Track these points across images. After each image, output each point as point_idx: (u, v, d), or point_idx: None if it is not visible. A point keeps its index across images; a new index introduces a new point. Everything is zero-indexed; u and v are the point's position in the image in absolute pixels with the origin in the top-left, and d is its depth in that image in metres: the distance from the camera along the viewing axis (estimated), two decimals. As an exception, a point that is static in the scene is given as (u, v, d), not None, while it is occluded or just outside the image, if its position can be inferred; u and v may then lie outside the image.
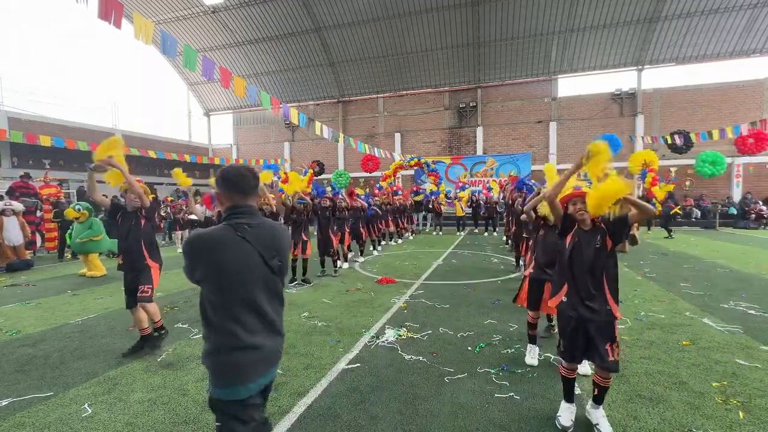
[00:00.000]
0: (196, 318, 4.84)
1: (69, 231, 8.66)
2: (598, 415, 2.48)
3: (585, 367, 3.23)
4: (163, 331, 3.94)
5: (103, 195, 3.92)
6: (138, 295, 3.73)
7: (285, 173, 9.97)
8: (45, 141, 13.13)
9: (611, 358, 2.33)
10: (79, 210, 8.05)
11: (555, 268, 2.76)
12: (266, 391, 1.64)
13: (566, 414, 2.54)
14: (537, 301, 3.53)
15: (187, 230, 11.74)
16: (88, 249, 7.95)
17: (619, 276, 2.48)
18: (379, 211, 10.47)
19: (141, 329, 3.83)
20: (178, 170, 4.76)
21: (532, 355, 3.47)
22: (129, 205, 3.82)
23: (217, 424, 1.52)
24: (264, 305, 1.55)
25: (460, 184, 17.02)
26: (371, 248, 10.50)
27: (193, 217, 4.54)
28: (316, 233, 7.69)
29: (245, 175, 1.59)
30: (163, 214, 12.48)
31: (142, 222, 3.82)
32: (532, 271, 3.60)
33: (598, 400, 2.49)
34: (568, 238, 2.50)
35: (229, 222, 1.54)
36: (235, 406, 1.49)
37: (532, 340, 3.54)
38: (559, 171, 2.97)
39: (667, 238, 12.13)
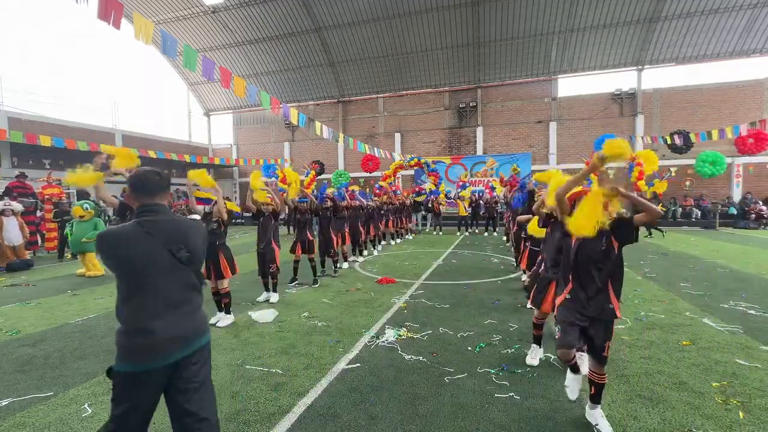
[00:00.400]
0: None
1: (67, 229, 8.64)
2: (597, 416, 2.48)
3: (586, 367, 3.23)
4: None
5: (112, 195, 3.94)
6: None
7: (283, 172, 9.97)
8: (45, 141, 13.11)
9: (605, 354, 2.44)
10: (86, 209, 8.14)
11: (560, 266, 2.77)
12: (181, 369, 1.74)
13: (573, 384, 2.63)
14: (541, 300, 3.46)
15: None
16: (89, 249, 7.96)
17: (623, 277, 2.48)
18: (366, 201, 10.21)
19: None
20: (197, 171, 4.59)
21: (533, 356, 3.46)
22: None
23: (112, 393, 1.65)
24: (170, 292, 1.72)
25: (461, 183, 17.01)
26: (372, 248, 10.51)
27: (195, 216, 4.51)
28: (317, 234, 7.72)
29: (150, 178, 1.79)
30: None
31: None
32: (543, 269, 3.58)
33: (595, 399, 2.50)
34: (573, 238, 2.49)
35: (138, 219, 1.74)
36: (130, 378, 1.63)
37: (537, 340, 3.53)
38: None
39: (648, 236, 12.23)
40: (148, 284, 1.68)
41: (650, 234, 12.74)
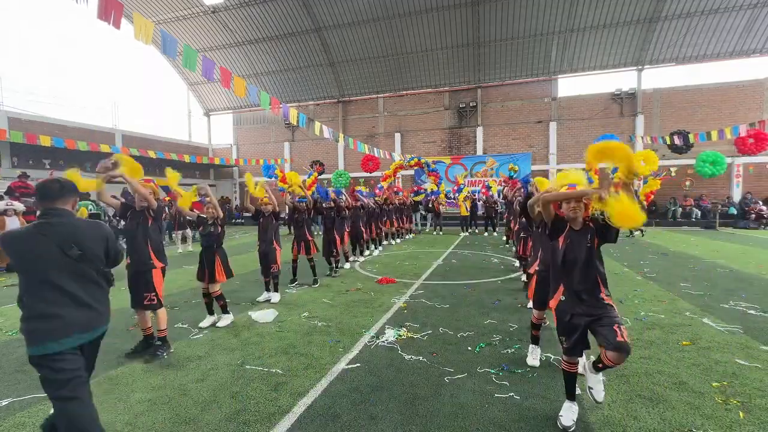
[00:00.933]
0: (196, 318, 4.84)
1: None
2: (595, 380, 2.47)
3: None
4: (158, 342, 3.81)
5: (112, 196, 3.95)
6: (144, 303, 3.73)
7: (282, 173, 9.99)
8: (45, 141, 13.11)
9: (620, 338, 2.29)
10: (91, 210, 8.27)
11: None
12: (88, 351, 2.10)
13: (568, 414, 2.52)
14: (544, 300, 3.41)
15: (187, 229, 11.71)
16: None
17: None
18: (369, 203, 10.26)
19: (144, 328, 3.85)
20: (172, 172, 4.49)
21: (534, 356, 3.46)
22: (137, 205, 3.84)
23: (39, 376, 1.92)
24: (65, 284, 1.98)
25: (457, 186, 17.04)
26: (373, 247, 10.51)
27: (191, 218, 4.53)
28: (322, 234, 7.81)
29: (49, 186, 2.07)
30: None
31: (150, 221, 3.84)
32: (537, 267, 3.59)
33: (598, 369, 2.49)
34: (561, 240, 2.52)
35: (36, 222, 2.03)
36: (45, 360, 1.89)
37: (535, 340, 3.53)
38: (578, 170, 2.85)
39: (628, 236, 12.35)
40: (45, 278, 1.95)
41: (639, 232, 12.84)
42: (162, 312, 3.81)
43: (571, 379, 2.58)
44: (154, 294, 3.74)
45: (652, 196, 12.87)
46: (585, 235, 2.44)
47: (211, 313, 4.71)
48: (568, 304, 2.51)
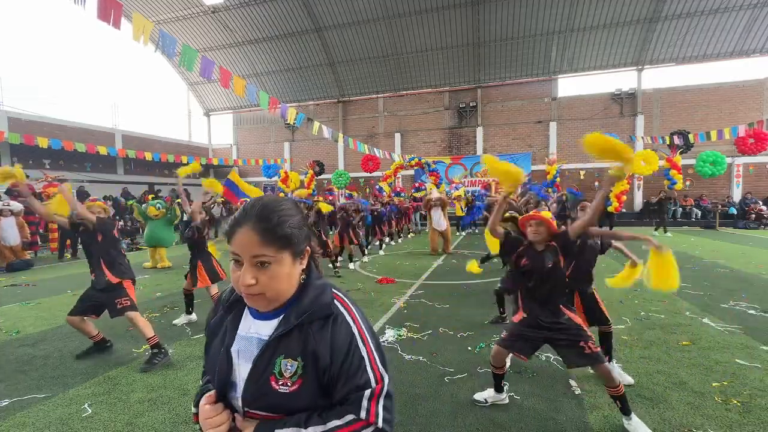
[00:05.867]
0: (196, 318, 4.84)
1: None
2: (635, 426, 2.40)
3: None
4: (155, 350, 3.51)
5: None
6: (117, 308, 3.53)
7: (285, 173, 10.05)
8: (43, 143, 13.12)
9: (588, 351, 2.37)
10: (159, 208, 8.85)
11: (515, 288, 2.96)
12: None
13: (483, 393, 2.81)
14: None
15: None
16: (162, 243, 8.78)
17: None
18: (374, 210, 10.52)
19: (145, 338, 3.58)
20: (210, 179, 4.72)
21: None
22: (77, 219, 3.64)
23: None
24: None
25: (454, 185, 17.05)
26: (377, 247, 10.58)
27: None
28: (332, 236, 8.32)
29: None
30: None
31: (99, 238, 3.58)
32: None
33: (623, 411, 2.42)
34: (523, 261, 2.55)
35: None
36: None
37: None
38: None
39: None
40: None
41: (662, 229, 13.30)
42: (136, 315, 3.57)
43: (498, 379, 2.74)
44: (125, 298, 3.58)
45: (624, 197, 12.97)
46: (547, 255, 2.45)
47: (188, 312, 4.73)
48: (528, 321, 2.55)
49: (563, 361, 2.54)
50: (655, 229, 13.51)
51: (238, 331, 0.93)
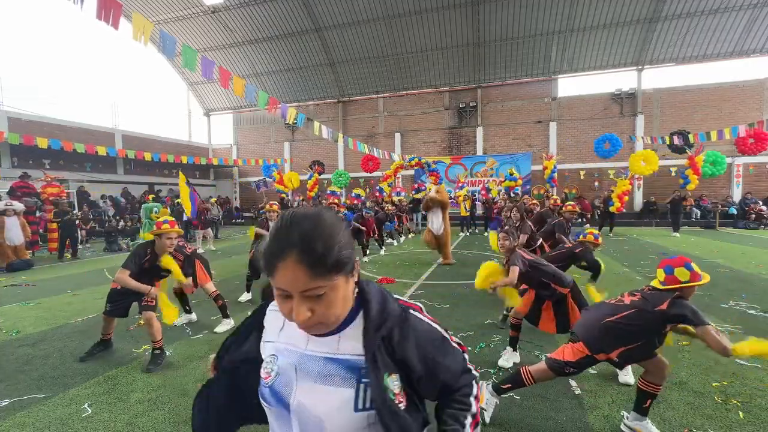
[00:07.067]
0: (197, 317, 4.84)
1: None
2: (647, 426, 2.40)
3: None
4: (157, 351, 3.54)
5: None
6: (142, 304, 3.56)
7: (280, 174, 10.04)
8: (42, 143, 13.11)
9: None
10: (156, 212, 9.00)
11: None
12: None
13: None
14: (536, 317, 3.50)
15: (208, 228, 11.62)
16: None
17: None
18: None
19: (153, 341, 3.56)
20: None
21: (507, 359, 3.43)
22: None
23: None
24: None
25: (460, 184, 17.07)
26: (378, 247, 10.61)
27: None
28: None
29: None
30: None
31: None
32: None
33: (645, 412, 2.41)
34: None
35: None
36: None
37: (513, 342, 3.50)
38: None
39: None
40: None
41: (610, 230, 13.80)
42: (154, 319, 3.55)
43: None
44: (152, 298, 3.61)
45: (626, 197, 13.08)
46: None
47: (187, 311, 4.74)
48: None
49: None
50: (674, 231, 13.44)
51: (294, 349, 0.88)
